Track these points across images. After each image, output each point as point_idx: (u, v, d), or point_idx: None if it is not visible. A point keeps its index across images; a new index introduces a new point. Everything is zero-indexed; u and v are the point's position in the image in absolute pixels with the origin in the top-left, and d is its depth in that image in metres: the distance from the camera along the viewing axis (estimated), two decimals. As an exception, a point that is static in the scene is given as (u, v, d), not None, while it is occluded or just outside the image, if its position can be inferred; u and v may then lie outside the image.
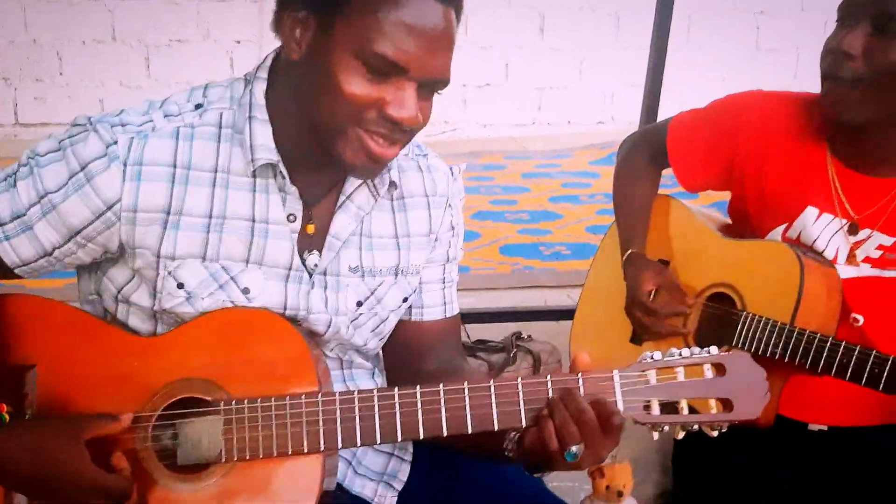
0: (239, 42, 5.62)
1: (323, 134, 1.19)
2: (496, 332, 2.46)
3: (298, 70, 1.18)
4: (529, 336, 2.30)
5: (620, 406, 1.13)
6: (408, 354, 1.40)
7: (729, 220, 1.81)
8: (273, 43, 1.24)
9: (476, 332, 2.50)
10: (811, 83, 1.60)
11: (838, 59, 1.45)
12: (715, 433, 1.13)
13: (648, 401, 1.12)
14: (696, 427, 1.13)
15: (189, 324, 1.24)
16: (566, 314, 2.51)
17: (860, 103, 1.46)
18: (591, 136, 5.65)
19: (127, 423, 1.17)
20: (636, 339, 1.80)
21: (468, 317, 2.67)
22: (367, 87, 1.14)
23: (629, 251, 1.79)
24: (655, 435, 1.14)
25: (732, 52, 6.09)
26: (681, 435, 1.14)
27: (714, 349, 1.13)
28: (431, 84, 1.17)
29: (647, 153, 1.85)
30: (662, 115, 2.14)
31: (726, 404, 1.11)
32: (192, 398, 1.20)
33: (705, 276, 1.72)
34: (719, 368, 1.12)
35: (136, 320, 1.28)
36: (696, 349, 1.13)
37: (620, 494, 1.22)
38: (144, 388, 1.20)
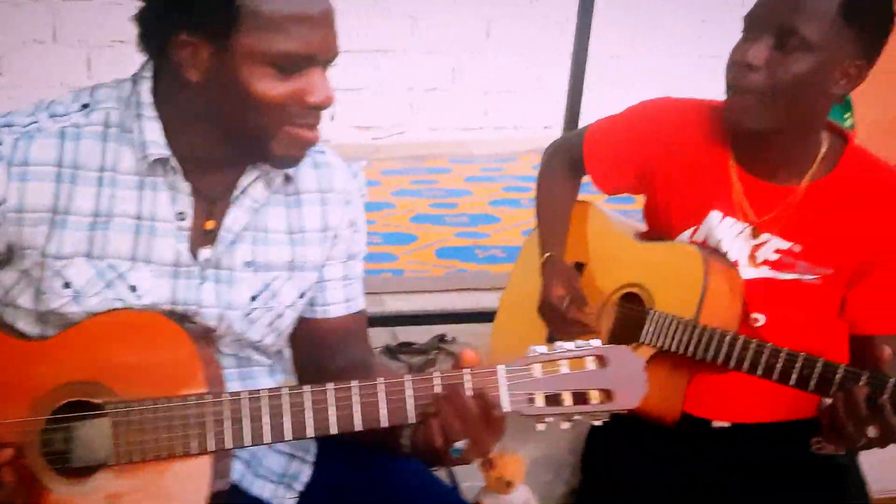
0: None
1: (251, 141, 1.22)
2: (427, 334, 2.46)
3: (203, 91, 1.19)
4: (453, 339, 2.31)
5: (506, 399, 1.15)
6: (315, 352, 1.40)
7: (644, 226, 1.85)
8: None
9: (407, 334, 2.50)
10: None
11: (742, 70, 1.48)
12: (598, 422, 1.16)
13: (532, 394, 1.14)
14: (578, 417, 1.15)
15: (76, 327, 1.23)
16: (494, 317, 2.54)
17: (760, 113, 1.49)
18: (537, 141, 5.67)
19: (7, 456, 1.14)
20: (552, 338, 1.82)
21: (399, 319, 2.68)
22: (283, 86, 1.17)
23: (547, 254, 1.81)
24: (541, 427, 1.16)
25: (676, 59, 6.19)
26: (565, 426, 1.16)
27: (596, 342, 1.16)
28: (331, 61, 1.21)
29: (567, 160, 1.88)
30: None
31: (607, 395, 1.14)
32: (81, 401, 1.18)
33: (619, 277, 1.75)
34: (601, 360, 1.15)
35: (24, 324, 1.27)
36: (581, 342, 1.16)
37: (510, 484, 1.24)
38: (31, 393, 1.19)
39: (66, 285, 1.22)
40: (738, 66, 1.49)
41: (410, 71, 5.77)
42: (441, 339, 2.27)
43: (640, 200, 1.81)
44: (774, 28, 1.45)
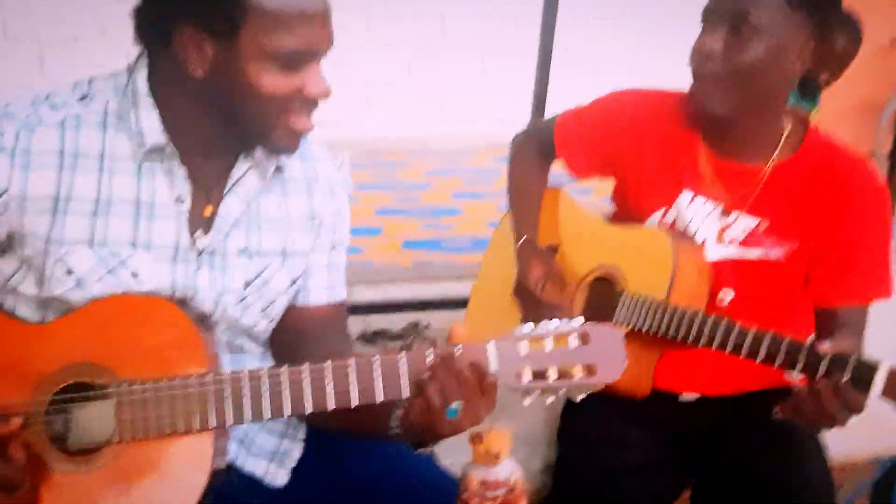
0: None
1: (251, 131, 1.27)
2: (397, 323, 2.51)
3: (206, 84, 1.23)
4: (427, 325, 2.36)
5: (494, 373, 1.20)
6: (294, 340, 1.43)
7: (613, 209, 1.92)
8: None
9: (377, 323, 2.55)
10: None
11: (703, 58, 1.58)
12: (580, 397, 1.22)
13: (520, 368, 1.20)
14: (563, 391, 1.21)
15: (78, 311, 1.25)
16: (465, 304, 2.60)
17: (723, 97, 1.57)
18: (492, 135, 5.75)
19: (16, 426, 1.17)
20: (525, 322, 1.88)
21: (370, 308, 2.72)
22: (285, 80, 1.23)
23: (522, 238, 1.87)
24: (527, 401, 1.22)
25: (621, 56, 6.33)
26: (549, 400, 1.22)
27: (580, 320, 1.22)
28: (326, 54, 1.26)
29: (536, 147, 1.94)
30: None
31: (590, 369, 1.20)
32: (84, 383, 1.21)
33: (591, 260, 1.82)
34: (584, 338, 1.20)
35: (25, 309, 1.29)
36: (565, 321, 1.21)
37: (497, 457, 1.29)
38: (34, 375, 1.21)
39: (69, 272, 1.24)
40: (699, 55, 1.58)
41: (366, 66, 5.80)
42: (415, 326, 2.32)
43: (598, 189, 1.86)
44: (728, 17, 1.55)
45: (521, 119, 6.17)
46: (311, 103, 1.27)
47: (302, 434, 1.46)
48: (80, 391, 1.21)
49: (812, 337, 1.64)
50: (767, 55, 1.54)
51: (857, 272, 1.64)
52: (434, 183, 4.39)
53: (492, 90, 6.24)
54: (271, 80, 1.21)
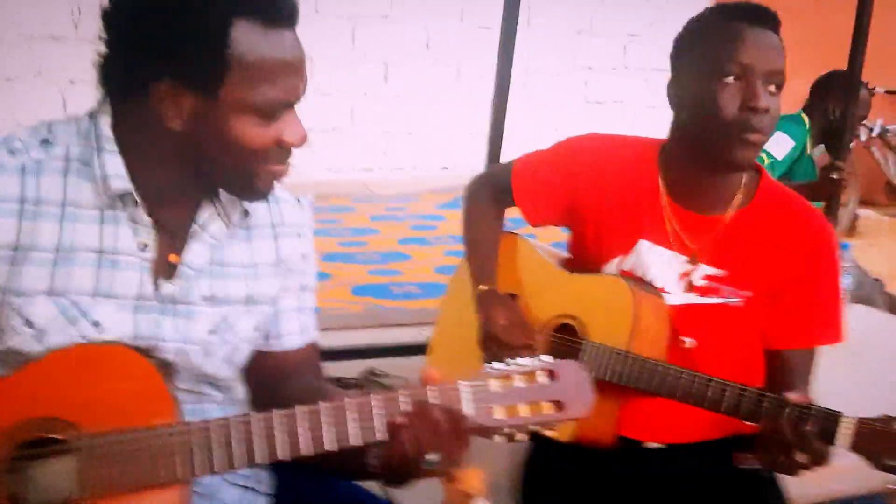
0: (73, 82, 5.43)
1: (231, 180, 1.26)
2: (350, 370, 2.48)
3: (182, 136, 1.21)
4: (383, 373, 2.34)
5: (470, 413, 1.20)
6: (271, 383, 1.41)
7: (568, 255, 1.93)
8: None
9: (330, 370, 2.51)
10: (636, 133, 1.75)
11: (758, 115, 1.56)
12: (549, 433, 1.23)
13: (491, 406, 1.21)
14: (534, 427, 1.22)
15: (35, 363, 1.20)
16: (418, 350, 2.57)
17: (756, 152, 1.61)
18: (435, 181, 5.81)
19: None
20: (489, 368, 1.87)
21: (322, 355, 2.69)
22: (265, 131, 1.22)
23: (480, 287, 1.86)
24: (498, 439, 1.23)
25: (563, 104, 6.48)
26: (519, 437, 1.23)
27: (547, 357, 1.24)
28: (300, 99, 1.26)
29: (493, 193, 1.94)
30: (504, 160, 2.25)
31: (559, 405, 1.22)
32: (44, 438, 1.16)
33: (551, 308, 1.82)
34: (552, 374, 1.23)
35: None
36: (531, 358, 1.24)
37: (471, 496, 1.28)
38: None
39: (28, 323, 1.20)
40: (753, 112, 1.55)
41: (309, 111, 5.81)
42: (372, 372, 2.30)
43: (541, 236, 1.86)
44: (768, 73, 1.56)
45: (461, 166, 6.27)
46: (288, 150, 1.26)
47: (264, 487, 1.42)
48: (40, 447, 1.16)
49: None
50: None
51: (810, 317, 1.67)
52: (380, 228, 4.39)
53: (432, 137, 6.32)
54: (252, 131, 1.20)
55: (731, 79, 1.57)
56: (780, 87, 1.59)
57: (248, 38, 1.17)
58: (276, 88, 1.19)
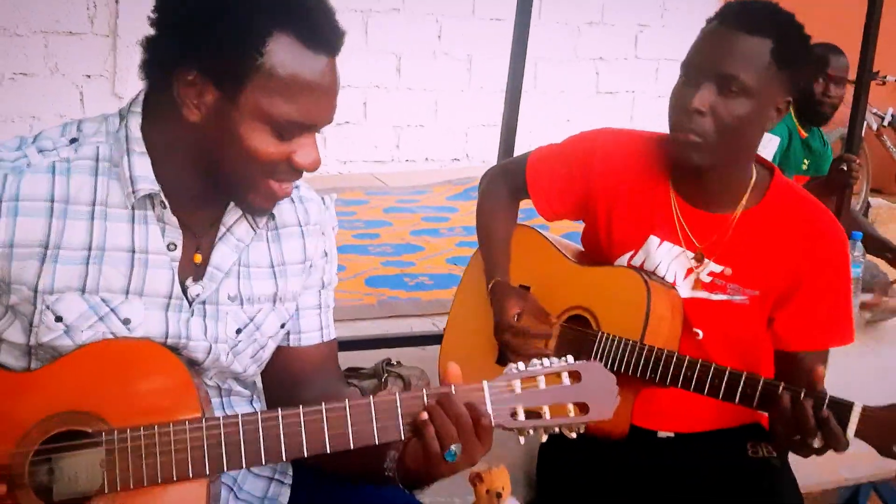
0: (89, 77, 5.46)
1: (232, 185, 1.26)
2: (365, 360, 2.51)
3: (198, 130, 1.23)
4: (399, 362, 2.37)
5: (490, 413, 1.21)
6: (288, 381, 1.43)
7: (582, 248, 1.95)
8: (126, 79, 1.27)
9: (346, 360, 2.54)
10: (646, 123, 1.75)
11: (688, 114, 1.59)
12: (573, 435, 1.24)
13: (514, 408, 1.21)
14: (557, 430, 1.23)
15: (67, 357, 1.23)
16: (431, 340, 2.61)
17: (706, 151, 1.60)
18: (447, 173, 5.81)
19: (1, 491, 1.15)
20: (502, 360, 1.90)
21: (340, 346, 2.73)
22: (277, 146, 1.22)
23: (494, 279, 1.89)
24: (522, 440, 1.23)
25: (575, 95, 6.48)
26: (544, 438, 1.24)
27: (570, 358, 1.24)
28: (324, 127, 1.26)
29: (507, 186, 1.96)
30: (517, 152, 2.27)
31: (582, 408, 1.22)
32: (73, 431, 1.19)
33: (563, 300, 1.84)
34: (575, 376, 1.23)
35: (8, 357, 1.27)
36: (556, 359, 1.24)
37: (500, 496, 1.31)
38: (20, 425, 1.19)
39: (59, 319, 1.23)
40: (684, 111, 1.59)
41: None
42: (388, 362, 2.33)
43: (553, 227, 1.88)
44: (715, 76, 1.57)
45: (473, 158, 6.26)
46: (297, 172, 1.27)
47: (289, 479, 1.45)
48: (69, 440, 1.19)
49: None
50: (752, 112, 1.59)
51: (820, 319, 1.68)
52: (393, 220, 4.41)
53: (445, 130, 6.33)
54: (262, 142, 1.21)
55: (682, 79, 1.62)
56: (737, 91, 1.56)
57: (282, 53, 1.18)
58: (296, 108, 1.20)
